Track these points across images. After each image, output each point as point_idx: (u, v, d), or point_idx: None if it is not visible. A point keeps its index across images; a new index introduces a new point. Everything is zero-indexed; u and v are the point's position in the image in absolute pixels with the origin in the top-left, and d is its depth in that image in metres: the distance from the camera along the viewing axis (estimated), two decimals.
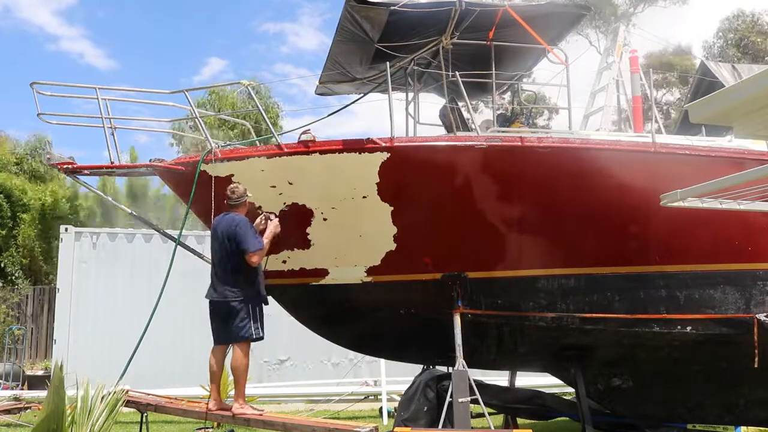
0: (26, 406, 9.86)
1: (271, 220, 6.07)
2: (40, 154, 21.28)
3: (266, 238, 5.92)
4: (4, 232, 18.52)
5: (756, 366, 6.24)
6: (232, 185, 5.91)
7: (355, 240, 6.34)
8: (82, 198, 20.05)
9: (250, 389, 9.73)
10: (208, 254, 6.30)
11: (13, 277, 17.67)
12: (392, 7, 5.95)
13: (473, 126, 6.60)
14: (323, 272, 6.53)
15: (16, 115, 45.26)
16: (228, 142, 6.34)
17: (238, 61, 49.96)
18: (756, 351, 6.25)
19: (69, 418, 4.89)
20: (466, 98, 6.44)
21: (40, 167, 21.55)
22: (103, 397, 5.23)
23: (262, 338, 5.88)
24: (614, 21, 22.94)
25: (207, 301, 5.96)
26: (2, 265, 18.04)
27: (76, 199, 19.74)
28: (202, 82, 45.68)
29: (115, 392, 5.37)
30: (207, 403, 6.12)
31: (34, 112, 6.14)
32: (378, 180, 6.02)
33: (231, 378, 6.40)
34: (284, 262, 6.47)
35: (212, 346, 5.99)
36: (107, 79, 50.68)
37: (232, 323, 5.78)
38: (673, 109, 23.24)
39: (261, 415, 5.95)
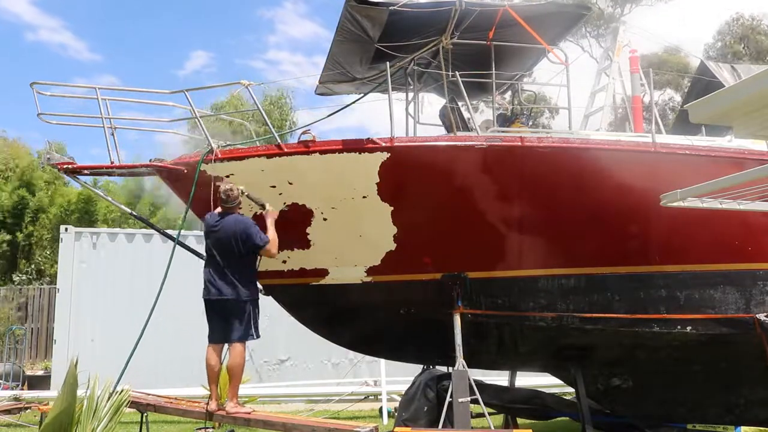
0: (26, 406, 9.88)
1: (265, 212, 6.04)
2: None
3: (270, 227, 5.93)
4: (30, 230, 18.42)
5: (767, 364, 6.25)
6: (225, 188, 5.86)
7: (355, 240, 6.33)
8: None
9: (250, 389, 9.76)
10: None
11: (23, 276, 17.65)
12: (392, 7, 5.95)
13: (473, 126, 6.60)
14: (323, 272, 6.53)
15: (8, 114, 44.81)
16: (228, 142, 6.31)
17: (229, 51, 49.68)
18: (766, 350, 6.26)
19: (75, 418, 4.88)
20: (466, 98, 6.45)
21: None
22: (110, 395, 5.20)
23: (258, 337, 5.95)
24: (603, 24, 22.87)
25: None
26: (18, 264, 18.00)
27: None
28: (191, 75, 45.58)
29: (119, 393, 5.34)
30: (207, 403, 6.12)
31: (31, 112, 6.17)
32: (378, 180, 6.02)
33: None
34: (284, 262, 6.47)
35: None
36: (92, 72, 50.32)
37: (236, 323, 5.79)
38: (669, 109, 23.18)
39: (257, 413, 5.97)
